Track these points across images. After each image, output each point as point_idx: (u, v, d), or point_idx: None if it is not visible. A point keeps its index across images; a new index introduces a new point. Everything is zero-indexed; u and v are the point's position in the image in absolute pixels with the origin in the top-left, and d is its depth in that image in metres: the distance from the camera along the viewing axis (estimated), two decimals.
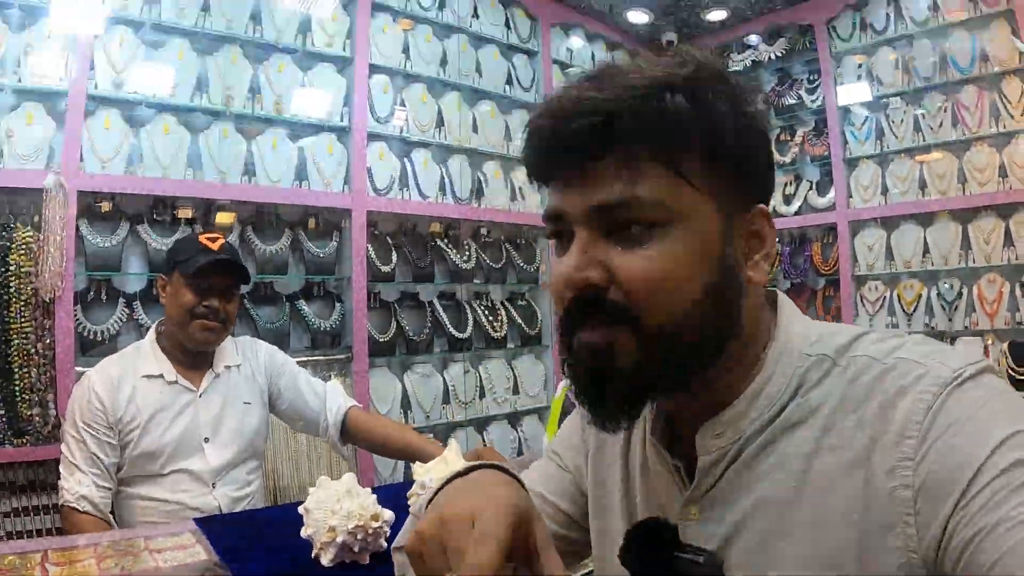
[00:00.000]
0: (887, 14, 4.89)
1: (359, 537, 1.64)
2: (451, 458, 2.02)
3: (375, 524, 1.66)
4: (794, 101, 5.38)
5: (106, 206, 3.15)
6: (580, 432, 1.08)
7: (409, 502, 1.95)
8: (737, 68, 5.58)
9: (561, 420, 2.56)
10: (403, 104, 4.25)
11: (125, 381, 2.22)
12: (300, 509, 1.70)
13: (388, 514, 1.70)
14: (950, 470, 0.65)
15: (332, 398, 2.53)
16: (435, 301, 4.34)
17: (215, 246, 2.28)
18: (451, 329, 4.29)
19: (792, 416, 0.78)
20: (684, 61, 0.78)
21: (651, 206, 0.74)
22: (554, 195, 0.81)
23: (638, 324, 0.74)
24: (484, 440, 4.44)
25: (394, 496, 1.90)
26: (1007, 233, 4.43)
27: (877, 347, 0.77)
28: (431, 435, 3.99)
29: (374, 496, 1.74)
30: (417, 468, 2.00)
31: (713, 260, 0.76)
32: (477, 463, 0.81)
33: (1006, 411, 0.68)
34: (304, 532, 1.67)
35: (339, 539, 1.62)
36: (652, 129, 0.74)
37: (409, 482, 2.11)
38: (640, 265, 0.74)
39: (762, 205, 0.82)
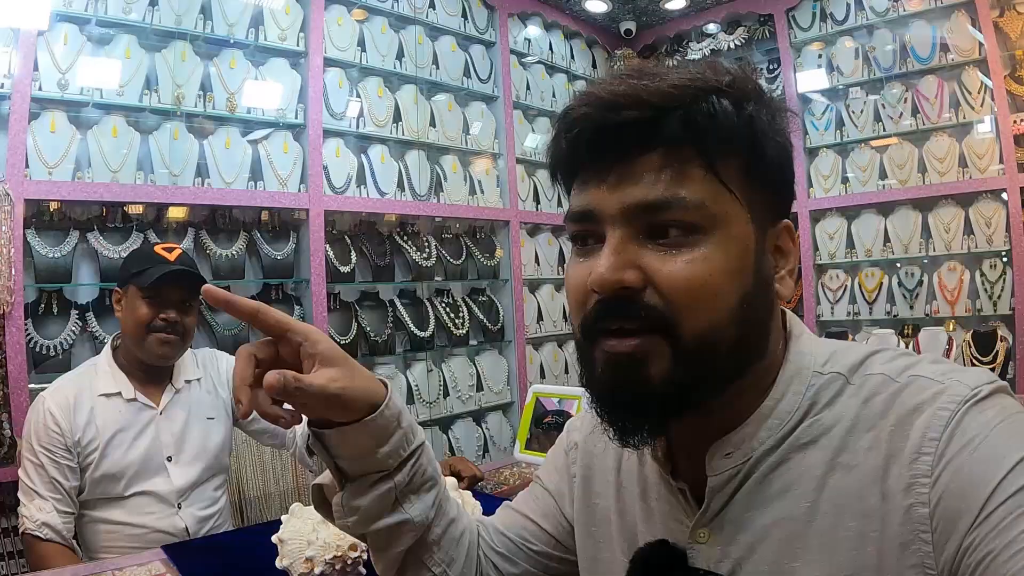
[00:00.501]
0: (848, 4, 4.94)
1: (337, 568, 1.58)
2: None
3: (353, 554, 1.60)
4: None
5: (53, 209, 3.02)
6: (564, 456, 1.07)
7: None
8: (695, 56, 5.59)
9: (532, 426, 2.53)
10: (359, 98, 4.16)
11: (82, 401, 2.12)
12: (274, 539, 1.64)
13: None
14: (966, 489, 0.64)
15: None
16: (396, 300, 4.26)
17: (171, 257, 2.19)
18: (413, 328, 4.22)
19: (804, 436, 0.76)
20: (725, 70, 0.77)
21: (693, 208, 0.72)
22: (584, 193, 0.78)
23: (674, 332, 0.72)
24: (449, 439, 4.39)
25: None
26: (967, 222, 4.51)
27: (890, 365, 0.76)
28: None
29: None
30: None
31: (748, 270, 0.75)
32: None
33: (1021, 432, 0.66)
34: (279, 563, 1.61)
35: (317, 571, 1.56)
36: (699, 130, 0.72)
37: None
38: (681, 269, 0.72)
39: (787, 220, 0.81)
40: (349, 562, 1.58)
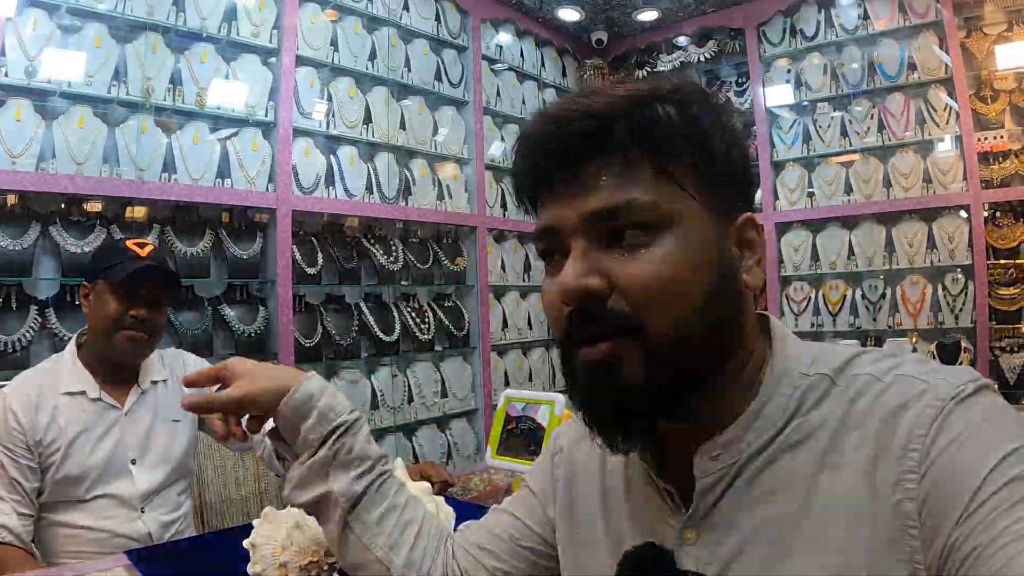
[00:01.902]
0: (818, 21, 5.07)
1: (313, 574, 1.53)
2: (398, 475, 1.92)
3: (329, 560, 1.55)
4: (719, 100, 5.43)
5: (11, 204, 2.92)
6: (550, 461, 1.09)
7: None
8: (665, 68, 5.64)
9: (503, 430, 2.50)
10: (330, 98, 4.11)
11: (45, 399, 2.03)
12: (246, 543, 1.58)
13: None
14: (953, 484, 0.65)
15: None
16: (362, 303, 4.21)
17: (143, 252, 2.11)
18: (378, 332, 4.17)
19: (792, 436, 0.77)
20: (667, 79, 0.81)
21: (647, 209, 0.74)
22: (546, 210, 0.80)
23: (642, 334, 0.73)
24: (413, 445, 4.34)
25: None
26: (930, 236, 4.66)
27: (876, 366, 0.77)
28: None
29: None
30: None
31: (711, 264, 0.76)
32: None
33: (1007, 427, 0.68)
34: (251, 569, 1.55)
35: None
36: (644, 134, 0.75)
37: None
38: (641, 269, 0.74)
39: (750, 213, 0.83)
40: (325, 568, 1.53)
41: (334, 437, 1.08)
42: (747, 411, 0.79)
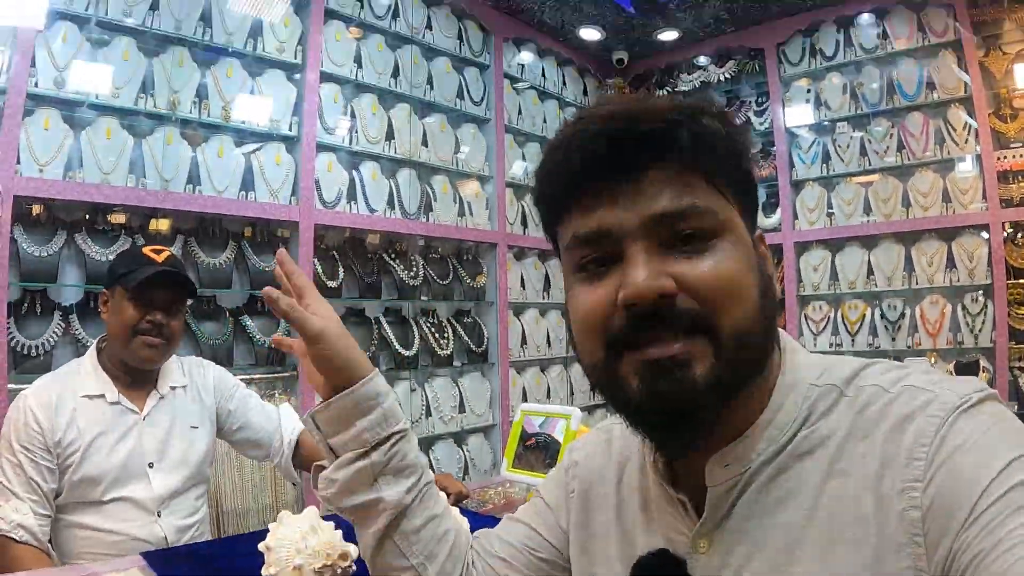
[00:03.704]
0: (837, 40, 5.06)
1: None
2: None
3: (343, 563, 1.56)
4: (741, 123, 5.45)
5: (38, 212, 2.97)
6: (564, 474, 1.09)
7: None
8: (685, 88, 5.66)
9: (519, 444, 2.50)
10: (353, 114, 4.15)
11: (64, 401, 2.07)
12: (260, 546, 1.60)
13: (355, 551, 1.61)
14: (956, 492, 0.65)
15: (286, 421, 2.43)
16: (381, 318, 4.23)
17: (160, 258, 2.16)
18: (397, 346, 4.19)
19: (801, 446, 0.78)
20: (706, 99, 0.85)
21: (707, 215, 0.76)
22: (595, 214, 0.79)
23: (714, 331, 0.74)
24: (430, 459, 4.33)
25: (352, 527, 1.80)
26: (949, 255, 4.63)
27: (884, 377, 0.78)
28: None
29: (339, 531, 1.64)
30: None
31: (756, 269, 0.79)
32: None
33: (1010, 436, 0.68)
34: (266, 571, 1.56)
35: None
36: (699, 144, 0.76)
37: None
38: (708, 269, 0.75)
39: (759, 231, 0.86)
40: (339, 571, 1.55)
41: (391, 442, 1.02)
42: (758, 421, 0.80)
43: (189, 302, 2.29)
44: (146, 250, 2.19)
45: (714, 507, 0.81)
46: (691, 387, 0.74)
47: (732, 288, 0.75)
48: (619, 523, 0.95)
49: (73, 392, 2.10)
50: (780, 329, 0.88)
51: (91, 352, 2.21)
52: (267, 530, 1.64)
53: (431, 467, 4.15)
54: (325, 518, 1.71)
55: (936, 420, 0.70)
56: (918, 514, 0.67)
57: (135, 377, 2.20)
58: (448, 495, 2.05)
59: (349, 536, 1.65)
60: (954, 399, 0.71)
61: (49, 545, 1.99)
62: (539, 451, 2.40)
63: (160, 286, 2.13)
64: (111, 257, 2.95)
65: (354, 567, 1.58)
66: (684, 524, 0.84)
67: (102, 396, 2.12)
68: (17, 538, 1.90)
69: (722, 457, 0.80)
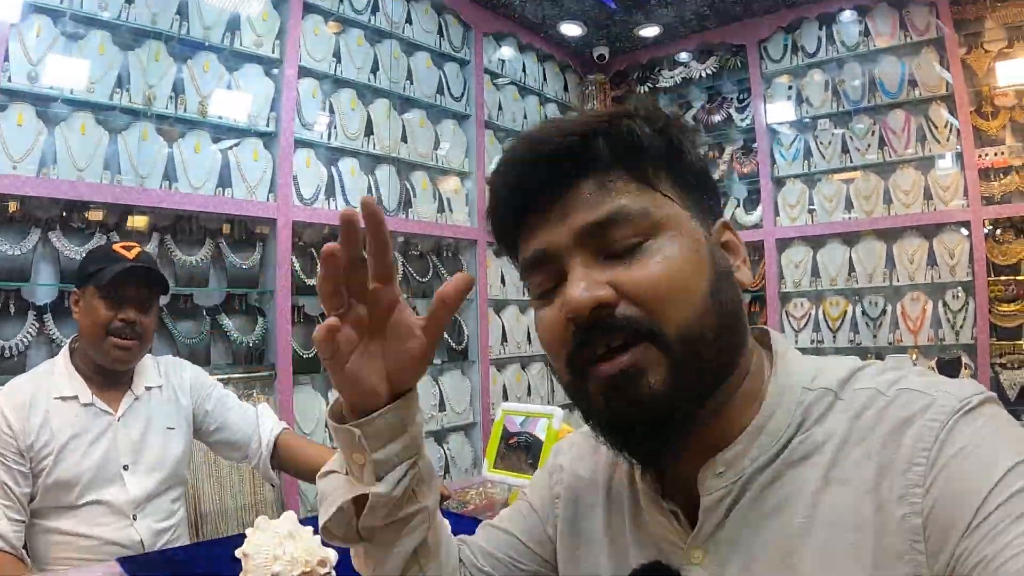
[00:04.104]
0: (819, 37, 5.10)
1: None
2: None
3: (322, 570, 1.54)
4: (723, 119, 5.48)
5: (12, 209, 2.93)
6: (548, 478, 1.07)
7: None
8: (667, 84, 5.67)
9: (501, 444, 2.48)
10: (332, 110, 4.11)
11: (37, 403, 2.02)
12: (237, 553, 1.57)
13: (334, 556, 1.58)
14: (957, 498, 0.64)
15: (264, 421, 2.39)
16: None
17: (130, 255, 2.11)
18: None
19: (796, 452, 0.77)
20: (631, 105, 0.82)
21: (638, 217, 0.76)
22: (534, 237, 0.80)
23: (659, 337, 0.73)
24: None
25: None
26: (930, 252, 4.66)
27: (879, 379, 0.77)
28: None
29: (317, 537, 1.62)
30: None
31: (706, 263, 0.77)
32: None
33: (1011, 440, 0.67)
34: None
35: None
36: (622, 148, 0.77)
37: None
38: (644, 272, 0.74)
39: (723, 219, 0.85)
40: None
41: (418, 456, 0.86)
42: (750, 427, 0.79)
43: (163, 299, 2.25)
44: (116, 247, 2.14)
45: (708, 517, 0.79)
46: (648, 397, 0.73)
47: (672, 289, 0.74)
48: (608, 531, 0.93)
49: (46, 394, 2.05)
50: (771, 330, 0.88)
51: (64, 352, 2.17)
52: (244, 534, 1.61)
53: None
54: (304, 521, 1.68)
55: (935, 425, 0.69)
56: (918, 520, 0.66)
57: (109, 378, 2.16)
58: None
59: (328, 542, 1.63)
60: (953, 403, 0.70)
61: (24, 551, 1.95)
62: (521, 451, 2.38)
63: (132, 283, 2.09)
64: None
65: (333, 573, 1.56)
66: (676, 534, 0.83)
67: (75, 398, 2.08)
68: None
69: (714, 465, 0.79)
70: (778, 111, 5.27)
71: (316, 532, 1.62)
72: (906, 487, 0.67)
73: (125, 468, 2.10)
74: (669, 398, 0.73)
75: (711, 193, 0.85)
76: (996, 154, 4.48)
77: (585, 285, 0.74)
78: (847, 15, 5.00)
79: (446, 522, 1.03)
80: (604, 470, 0.97)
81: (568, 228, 0.76)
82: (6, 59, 2.85)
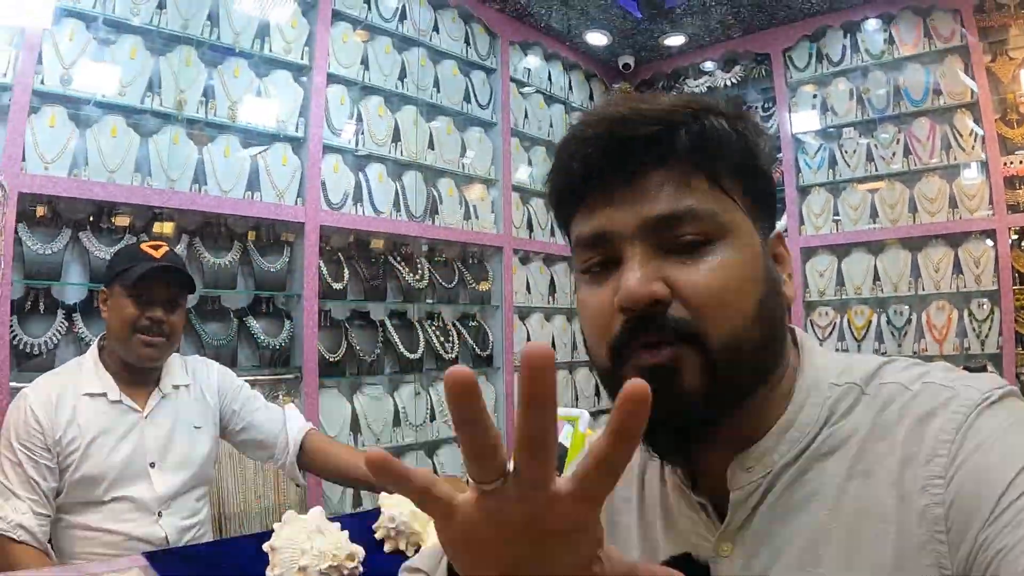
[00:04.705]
0: (843, 46, 5.08)
1: None
2: None
3: (350, 564, 1.55)
4: (754, 122, 5.46)
5: (42, 210, 2.96)
6: None
7: (376, 535, 1.86)
8: (693, 93, 5.65)
9: None
10: (360, 116, 4.14)
11: (65, 399, 2.04)
12: (265, 547, 1.58)
13: (361, 552, 1.59)
14: (979, 489, 0.65)
15: (291, 422, 2.40)
16: (387, 320, 4.21)
17: (158, 254, 2.13)
18: (403, 349, 4.17)
19: (823, 446, 0.77)
20: (713, 99, 0.81)
21: (706, 218, 0.74)
22: (593, 217, 0.78)
23: (702, 341, 0.72)
24: (434, 464, 4.32)
25: (358, 528, 1.79)
26: (956, 261, 4.61)
27: (904, 374, 0.77)
28: None
29: (345, 532, 1.62)
30: (385, 500, 1.92)
31: (760, 275, 0.77)
32: None
33: None
34: (270, 572, 1.54)
35: None
36: (703, 145, 0.75)
37: (372, 512, 2.01)
38: (702, 277, 0.73)
39: (778, 230, 0.85)
40: (345, 572, 1.53)
41: None
42: (779, 422, 0.79)
43: (190, 300, 2.26)
44: (144, 246, 2.16)
45: (737, 510, 0.79)
46: (680, 396, 0.73)
47: (725, 297, 0.73)
48: (641, 526, 0.93)
49: (74, 390, 2.07)
50: (797, 328, 0.87)
51: (92, 350, 2.19)
52: (271, 531, 1.62)
53: (435, 472, 4.15)
54: (331, 519, 1.69)
55: (958, 417, 0.69)
56: (940, 511, 0.66)
57: (137, 375, 2.17)
58: None
59: (356, 538, 1.63)
60: (976, 395, 0.70)
61: (48, 545, 1.97)
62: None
63: (159, 282, 2.10)
64: None
65: (360, 568, 1.56)
66: (706, 527, 0.83)
67: (103, 395, 2.10)
68: (16, 538, 1.87)
69: (743, 460, 0.79)
70: (803, 120, 5.24)
71: (343, 529, 1.63)
72: (928, 478, 0.68)
73: (152, 465, 2.11)
74: (699, 401, 0.73)
75: (772, 202, 0.84)
76: (1022, 162, 4.43)
77: (643, 278, 0.73)
78: (872, 23, 4.97)
79: None
80: (637, 468, 0.97)
81: (634, 216, 0.75)
82: (39, 62, 2.89)
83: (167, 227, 3.31)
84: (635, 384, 0.50)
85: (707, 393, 0.73)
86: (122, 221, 3.14)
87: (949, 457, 0.67)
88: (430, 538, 1.82)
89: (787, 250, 0.85)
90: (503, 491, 0.51)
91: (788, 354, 0.83)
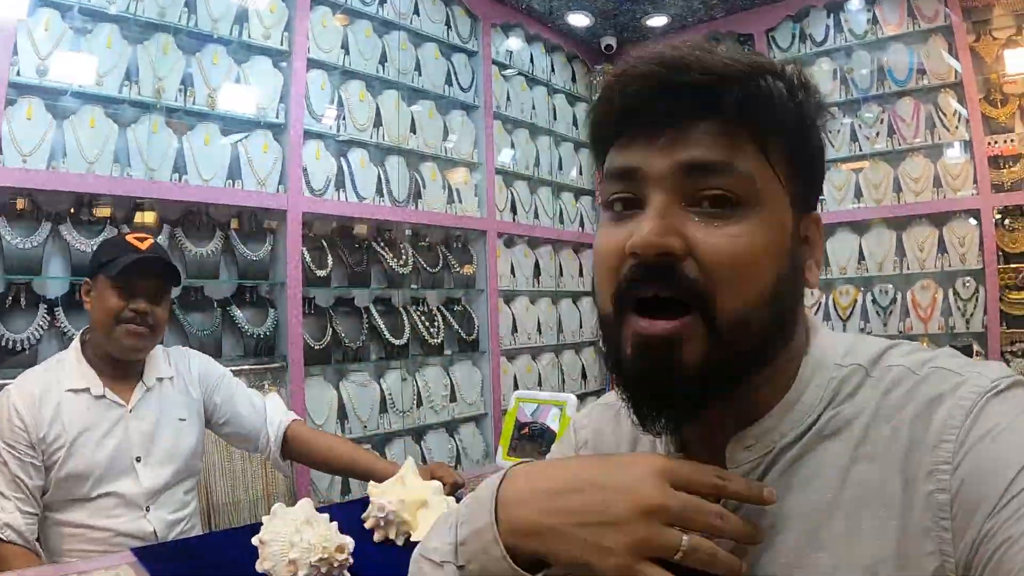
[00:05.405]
0: (827, 25, 5.09)
1: (323, 571, 1.51)
2: (408, 478, 1.92)
3: (340, 556, 1.54)
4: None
5: (22, 203, 2.92)
6: (575, 453, 1.05)
7: (366, 524, 1.86)
8: None
9: (515, 433, 2.48)
10: (341, 102, 4.11)
11: (48, 396, 2.02)
12: (254, 540, 1.57)
13: (351, 543, 1.59)
14: (985, 477, 0.64)
15: (272, 412, 2.39)
16: (371, 307, 4.19)
17: (143, 246, 2.10)
18: (388, 335, 4.16)
19: (826, 428, 0.76)
20: (777, 61, 0.78)
21: (744, 179, 0.72)
22: (628, 152, 0.76)
23: (710, 309, 0.71)
24: (422, 450, 4.32)
25: (347, 518, 1.78)
26: (940, 241, 4.65)
27: (910, 358, 0.76)
28: (368, 445, 3.88)
29: (335, 524, 1.62)
30: (373, 489, 1.91)
31: (784, 254, 0.75)
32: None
33: None
34: (260, 566, 1.54)
35: (301, 573, 1.49)
36: (755, 106, 0.72)
37: (360, 501, 2.01)
38: (723, 240, 0.71)
39: (815, 212, 0.82)
40: (335, 564, 1.52)
41: None
42: (782, 401, 0.78)
43: (175, 290, 2.25)
44: (129, 237, 2.14)
45: None
46: (679, 369, 0.72)
47: (742, 267, 0.71)
48: None
49: (58, 386, 2.06)
50: (805, 308, 0.86)
51: (75, 345, 2.17)
52: (260, 523, 1.62)
53: (423, 458, 4.16)
54: (320, 510, 1.68)
55: (966, 403, 0.68)
56: (946, 497, 0.66)
57: (120, 369, 2.16)
58: (444, 484, 2.03)
59: (344, 528, 1.63)
60: (985, 383, 0.69)
61: (37, 544, 1.96)
62: (534, 441, 2.38)
63: (144, 273, 2.08)
64: None
65: (351, 560, 1.56)
66: None
67: (87, 390, 2.08)
68: (3, 537, 1.86)
69: (744, 438, 0.78)
70: None
71: (332, 519, 1.62)
72: (934, 464, 0.67)
73: (138, 460, 2.10)
74: (698, 375, 0.72)
75: (817, 181, 0.82)
76: (1005, 142, 4.47)
77: (659, 227, 0.71)
78: (855, 3, 4.97)
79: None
80: (627, 443, 0.96)
81: (668, 158, 0.72)
82: (15, 53, 2.84)
83: (149, 214, 3.27)
84: None
85: (706, 367, 0.71)
86: (103, 212, 3.11)
87: (957, 443, 0.67)
88: (420, 526, 1.82)
89: (820, 235, 0.82)
90: None
91: (798, 337, 0.81)
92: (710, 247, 0.71)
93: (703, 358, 0.71)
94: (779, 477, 0.77)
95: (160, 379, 2.24)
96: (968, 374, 0.71)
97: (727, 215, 0.72)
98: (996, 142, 4.49)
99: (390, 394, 4.17)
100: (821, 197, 0.84)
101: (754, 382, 0.77)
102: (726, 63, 0.72)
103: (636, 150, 0.75)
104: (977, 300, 4.46)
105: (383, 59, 4.34)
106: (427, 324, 4.43)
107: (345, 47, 4.13)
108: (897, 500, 0.69)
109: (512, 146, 5.30)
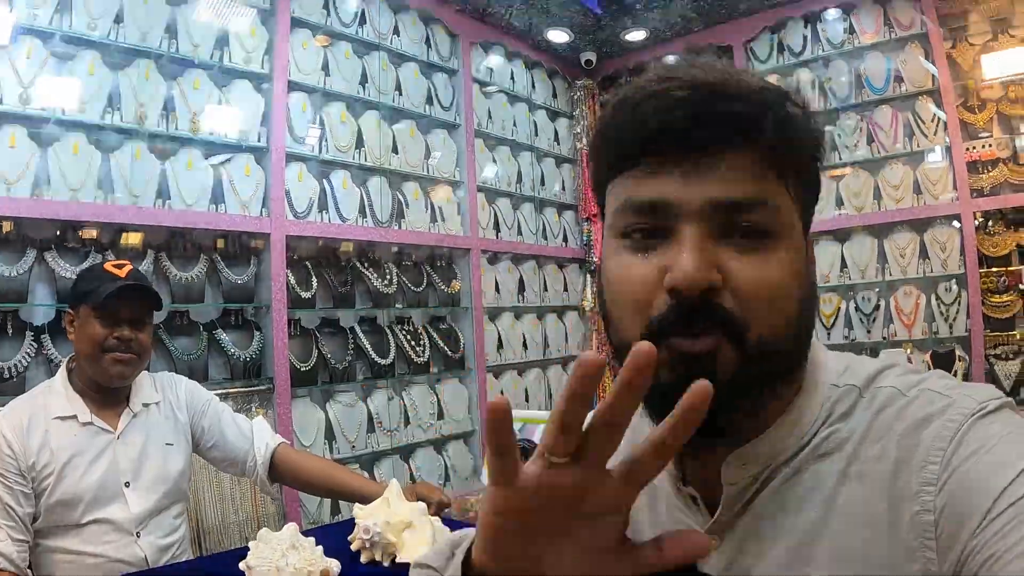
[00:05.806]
0: (804, 36, 5.12)
1: None
2: (393, 499, 1.94)
3: None
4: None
5: (8, 228, 2.93)
6: None
7: (352, 546, 1.87)
8: None
9: None
10: (322, 123, 4.13)
11: (36, 424, 2.04)
12: (241, 565, 1.59)
13: (336, 566, 1.60)
14: (970, 497, 0.64)
15: (259, 436, 2.41)
16: (356, 327, 4.21)
17: (122, 273, 2.14)
18: (373, 355, 4.17)
19: (821, 447, 0.76)
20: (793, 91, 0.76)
21: (772, 212, 0.72)
22: (656, 182, 0.72)
23: (743, 336, 0.70)
24: (411, 468, 4.32)
25: (334, 540, 1.80)
26: (922, 246, 4.68)
27: (901, 379, 0.77)
28: (356, 465, 3.89)
29: (320, 548, 1.63)
30: (358, 511, 1.93)
31: (804, 276, 0.75)
32: None
33: None
34: None
35: None
36: (781, 131, 0.71)
37: (347, 523, 2.02)
38: (758, 273, 0.70)
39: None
40: None
41: None
42: (779, 421, 0.78)
43: (158, 316, 2.26)
44: (107, 266, 2.16)
45: (729, 505, 0.79)
46: (714, 380, 0.68)
47: (774, 295, 0.71)
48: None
49: (45, 414, 2.07)
50: None
51: (61, 372, 2.19)
52: (247, 548, 1.63)
53: (411, 476, 4.17)
54: (306, 533, 1.70)
55: (953, 425, 0.69)
56: (931, 517, 0.66)
57: (107, 396, 2.18)
58: (429, 505, 2.05)
59: (330, 552, 1.64)
60: (972, 404, 0.70)
61: (29, 571, 1.97)
62: (522, 459, 2.39)
63: (125, 300, 2.10)
64: None
65: None
66: (695, 520, 0.83)
67: (74, 417, 2.10)
68: None
69: (741, 456, 0.78)
70: None
71: (319, 543, 1.64)
72: (920, 484, 0.68)
73: (127, 485, 2.12)
74: (730, 394, 0.68)
75: (815, 204, 0.81)
76: (984, 146, 4.52)
77: (700, 262, 0.69)
78: (832, 13, 5.01)
79: (441, 530, 1.01)
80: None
81: (700, 193, 0.70)
82: None
83: (133, 239, 3.27)
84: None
85: (738, 387, 0.70)
86: (89, 235, 3.13)
87: (942, 464, 0.67)
88: (405, 548, 1.83)
89: (813, 251, 0.82)
90: (567, 466, 0.55)
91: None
92: (745, 279, 0.70)
93: (732, 378, 0.70)
94: (772, 494, 0.77)
95: (146, 404, 2.25)
96: (956, 396, 0.72)
97: (757, 246, 0.71)
98: (975, 147, 4.53)
99: (377, 414, 4.17)
100: None
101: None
102: (762, 87, 0.72)
103: (665, 180, 0.72)
104: (960, 304, 4.48)
105: (364, 80, 4.36)
106: (413, 343, 4.44)
107: (325, 69, 4.15)
108: (883, 520, 0.69)
109: (494, 162, 5.32)
